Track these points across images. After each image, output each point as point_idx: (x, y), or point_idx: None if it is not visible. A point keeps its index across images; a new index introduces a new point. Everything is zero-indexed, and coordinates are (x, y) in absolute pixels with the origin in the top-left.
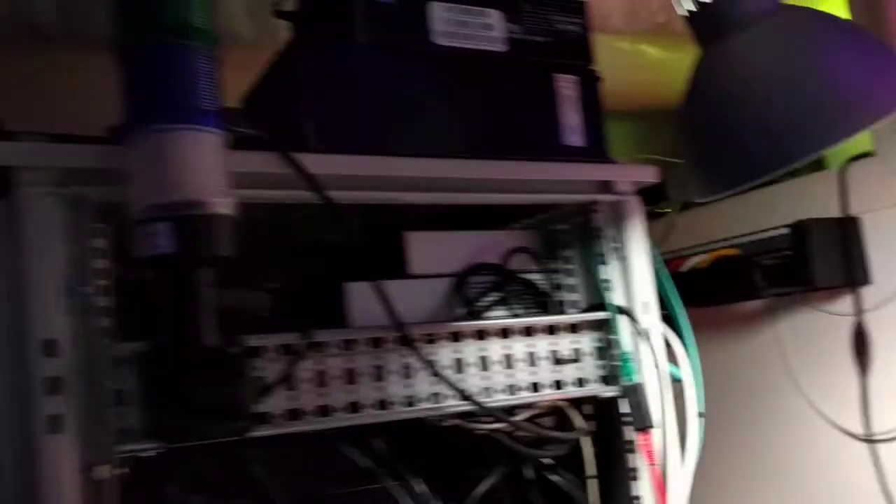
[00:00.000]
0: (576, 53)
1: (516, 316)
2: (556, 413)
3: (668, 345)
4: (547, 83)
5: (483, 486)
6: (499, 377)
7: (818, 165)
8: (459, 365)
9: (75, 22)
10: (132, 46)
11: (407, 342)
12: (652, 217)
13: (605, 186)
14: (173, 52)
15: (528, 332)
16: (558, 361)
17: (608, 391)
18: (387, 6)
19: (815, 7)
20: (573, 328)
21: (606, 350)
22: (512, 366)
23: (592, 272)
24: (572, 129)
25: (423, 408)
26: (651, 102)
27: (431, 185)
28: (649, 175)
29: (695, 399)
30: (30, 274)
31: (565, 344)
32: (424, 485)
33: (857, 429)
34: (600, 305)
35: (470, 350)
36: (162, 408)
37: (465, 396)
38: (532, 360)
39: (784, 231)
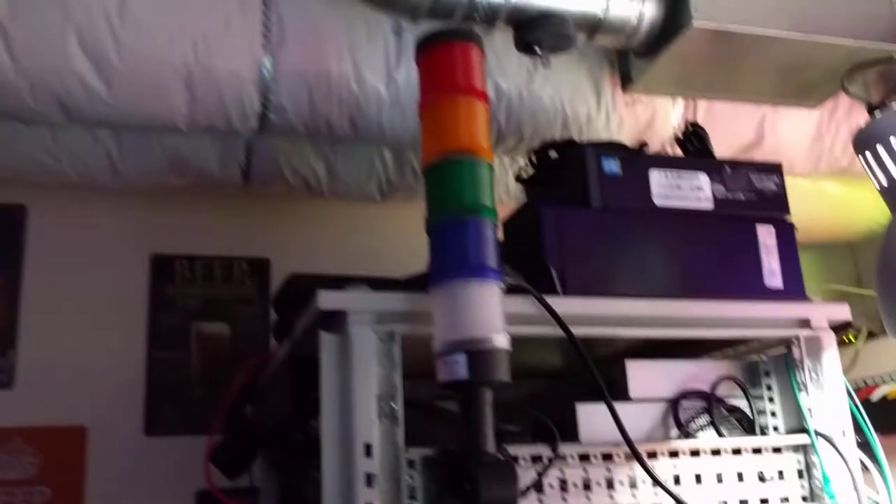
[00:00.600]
0: (773, 207)
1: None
2: None
3: (865, 469)
4: (749, 233)
5: None
6: (711, 492)
7: None
8: (677, 479)
9: (338, 182)
10: (441, 222)
11: (634, 456)
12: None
13: (803, 322)
14: (469, 225)
15: (736, 452)
16: (763, 480)
17: None
18: (614, 177)
19: None
20: (776, 450)
21: (807, 472)
22: (722, 482)
23: (793, 399)
24: (772, 272)
25: None
26: (832, 235)
27: (653, 321)
28: (842, 313)
29: None
30: (354, 391)
31: (770, 464)
32: None
33: None
34: (801, 430)
35: (686, 466)
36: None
37: None
38: (740, 477)
39: None
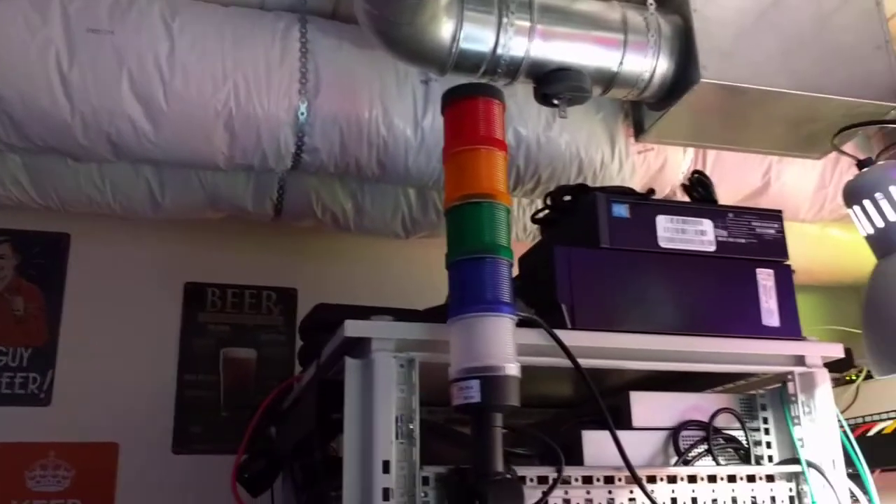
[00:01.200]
0: (772, 251)
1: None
2: None
3: (856, 500)
4: (749, 275)
5: None
6: None
7: None
8: (674, 503)
9: (365, 218)
10: (460, 260)
11: (634, 480)
12: (841, 384)
13: (798, 360)
14: (486, 263)
15: (731, 479)
16: None
17: None
18: (623, 220)
19: None
20: (769, 478)
21: (798, 499)
22: None
23: (786, 431)
24: (770, 312)
25: None
26: (837, 278)
27: (656, 355)
28: (836, 351)
29: None
30: (375, 412)
31: (763, 492)
32: None
33: None
34: (794, 460)
35: (683, 491)
36: None
37: None
38: (735, 502)
39: None
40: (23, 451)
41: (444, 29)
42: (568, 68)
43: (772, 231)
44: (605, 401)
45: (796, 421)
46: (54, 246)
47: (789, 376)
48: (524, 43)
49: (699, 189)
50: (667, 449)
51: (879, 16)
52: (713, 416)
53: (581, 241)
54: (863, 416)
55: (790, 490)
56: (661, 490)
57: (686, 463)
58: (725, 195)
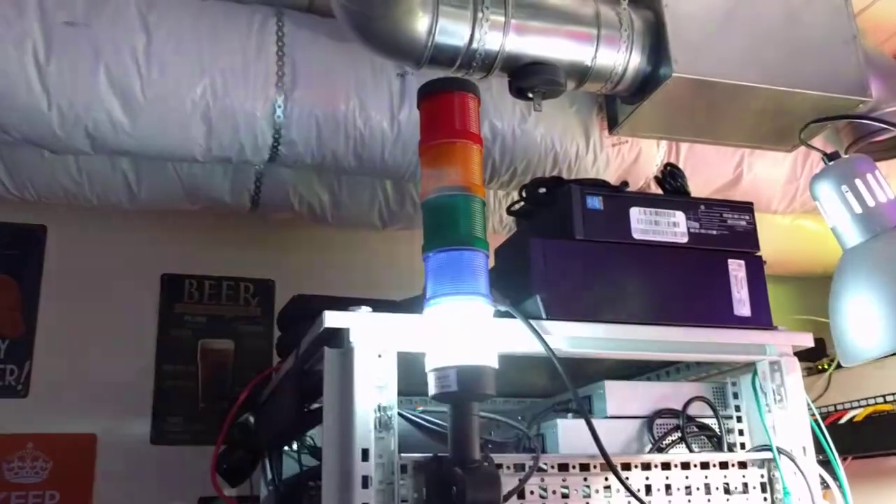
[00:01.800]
0: (744, 242)
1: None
2: None
3: (826, 486)
4: (721, 266)
5: None
6: (680, 502)
7: None
8: (649, 489)
9: (342, 210)
10: (436, 251)
11: (609, 467)
12: (813, 373)
13: (769, 349)
14: (462, 255)
15: (704, 466)
16: (728, 492)
17: None
18: (597, 212)
19: None
20: (742, 465)
21: (769, 485)
22: (691, 493)
23: (758, 418)
24: (742, 302)
25: None
26: (809, 269)
27: (630, 345)
28: (805, 340)
29: None
30: (354, 402)
31: (735, 478)
32: None
33: None
34: (765, 447)
35: (657, 478)
36: None
37: None
38: (707, 489)
39: None
40: (0, 443)
41: (420, 23)
42: (542, 62)
43: (743, 223)
44: (581, 390)
45: (767, 409)
46: (30, 237)
47: (760, 365)
48: (499, 37)
49: (672, 181)
50: (641, 437)
51: (847, 11)
52: (686, 404)
53: (556, 233)
54: (835, 405)
55: (762, 476)
56: (636, 477)
57: (660, 450)
58: (698, 187)
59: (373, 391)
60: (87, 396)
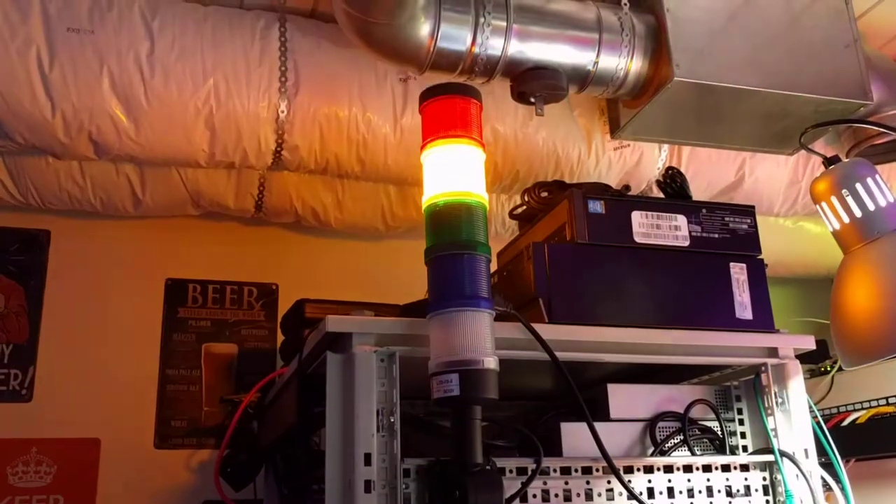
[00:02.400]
0: (745, 246)
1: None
2: None
3: (829, 488)
4: (722, 270)
5: None
6: None
7: None
8: (651, 493)
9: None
10: (439, 256)
11: (611, 470)
12: (817, 374)
13: (771, 352)
14: (465, 259)
15: (707, 469)
16: (731, 495)
17: None
18: (599, 216)
19: None
20: (744, 468)
21: (772, 488)
22: (693, 496)
23: (760, 421)
24: (743, 305)
25: None
26: (812, 271)
27: (632, 348)
28: (807, 343)
29: None
30: (356, 406)
31: (737, 481)
32: None
33: None
34: (767, 450)
35: (659, 481)
36: None
37: None
38: (710, 492)
39: None
40: (5, 447)
41: (422, 29)
42: (544, 67)
43: (744, 226)
44: (583, 393)
45: (769, 411)
46: (35, 243)
47: (762, 368)
48: (501, 42)
49: (673, 185)
50: (643, 440)
51: (848, 15)
52: (688, 407)
53: (558, 237)
54: (837, 407)
55: (764, 479)
56: (638, 480)
57: (662, 453)
58: (700, 191)
59: (375, 395)
60: (90, 401)
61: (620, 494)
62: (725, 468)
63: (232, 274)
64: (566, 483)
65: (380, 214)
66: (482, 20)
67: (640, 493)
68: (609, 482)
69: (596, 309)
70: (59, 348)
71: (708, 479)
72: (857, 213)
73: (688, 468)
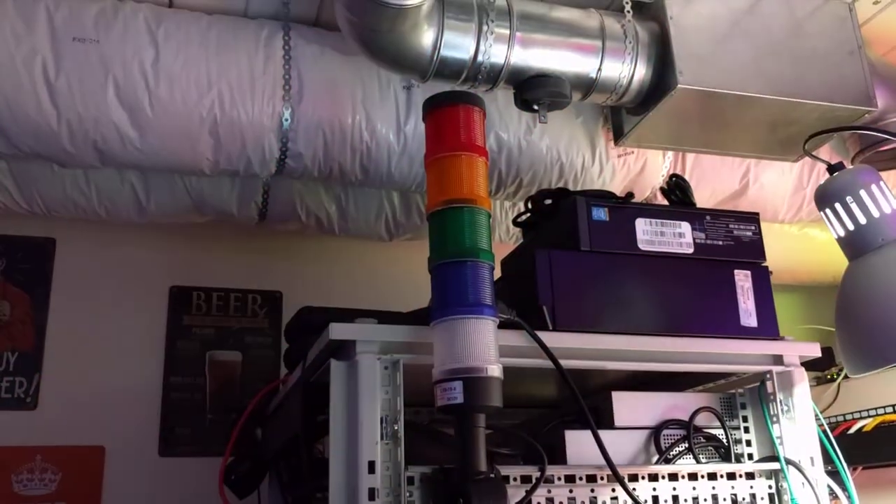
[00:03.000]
0: (750, 253)
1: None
2: None
3: (835, 496)
4: (727, 277)
5: None
6: None
7: None
8: (656, 501)
9: (349, 221)
10: (442, 263)
11: (616, 478)
12: (823, 382)
13: (776, 359)
14: (468, 267)
15: (712, 476)
16: (736, 503)
17: None
18: (603, 223)
19: None
20: (749, 476)
21: (777, 496)
22: None
23: (765, 429)
24: (748, 312)
25: None
26: (817, 277)
27: (636, 356)
28: (813, 350)
29: None
30: (360, 414)
31: (743, 489)
32: None
33: None
34: (773, 458)
35: (664, 489)
36: None
37: None
38: (715, 500)
39: None
40: (9, 454)
41: (426, 37)
42: (547, 74)
43: (749, 233)
44: (587, 401)
45: (775, 419)
46: (40, 250)
47: (767, 375)
48: (504, 50)
49: (677, 192)
50: (648, 448)
51: (852, 21)
52: (693, 414)
53: (562, 244)
54: (844, 415)
55: (770, 487)
56: (643, 488)
57: (667, 461)
58: (704, 198)
59: (379, 403)
60: (95, 408)
61: (625, 503)
62: (731, 476)
63: (236, 281)
64: (570, 491)
65: (383, 222)
66: (485, 28)
67: (645, 502)
68: (613, 490)
69: (600, 316)
70: (64, 356)
71: (713, 488)
72: (862, 220)
73: (693, 476)
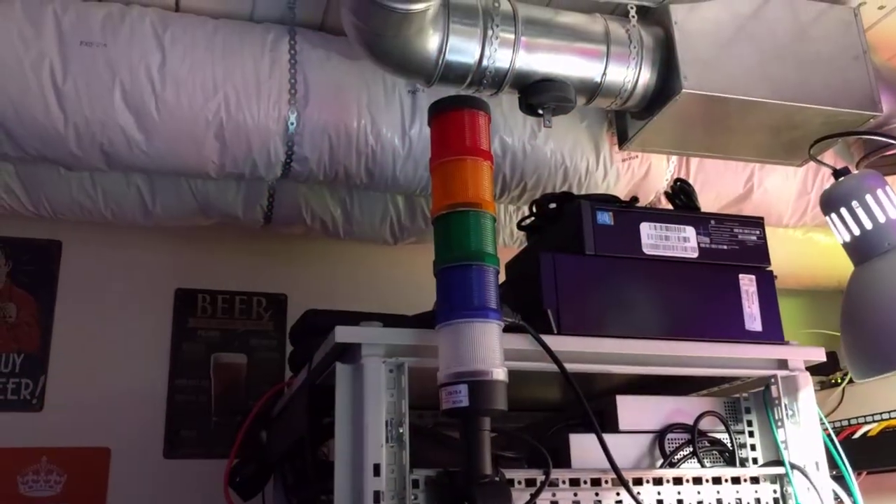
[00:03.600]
0: (754, 257)
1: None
2: None
3: (840, 501)
4: (731, 281)
5: None
6: None
7: None
8: None
9: (353, 225)
10: (447, 267)
11: (620, 482)
12: (828, 386)
13: (781, 363)
14: (473, 270)
15: (717, 481)
16: None
17: None
18: (607, 227)
19: None
20: (754, 480)
21: (783, 501)
22: None
23: (770, 433)
24: (753, 317)
25: None
26: (822, 282)
27: (641, 360)
28: (817, 355)
29: None
30: (366, 416)
31: (747, 493)
32: None
33: None
34: (777, 462)
35: (669, 493)
36: None
37: None
38: None
39: None
40: (15, 456)
41: (431, 41)
42: (552, 79)
43: (753, 237)
44: (592, 404)
45: (779, 423)
46: (46, 253)
47: (772, 380)
48: (509, 55)
49: (682, 197)
50: (653, 451)
51: (857, 26)
52: (698, 419)
53: (566, 248)
54: (849, 419)
55: (774, 492)
56: (648, 492)
57: (672, 465)
58: (708, 202)
59: (384, 406)
60: (101, 410)
61: None
62: (735, 480)
63: (241, 284)
64: (575, 495)
65: (388, 225)
66: (490, 33)
67: None
68: (618, 494)
69: (604, 320)
70: (69, 358)
71: (718, 492)
72: (868, 225)
73: (697, 480)
